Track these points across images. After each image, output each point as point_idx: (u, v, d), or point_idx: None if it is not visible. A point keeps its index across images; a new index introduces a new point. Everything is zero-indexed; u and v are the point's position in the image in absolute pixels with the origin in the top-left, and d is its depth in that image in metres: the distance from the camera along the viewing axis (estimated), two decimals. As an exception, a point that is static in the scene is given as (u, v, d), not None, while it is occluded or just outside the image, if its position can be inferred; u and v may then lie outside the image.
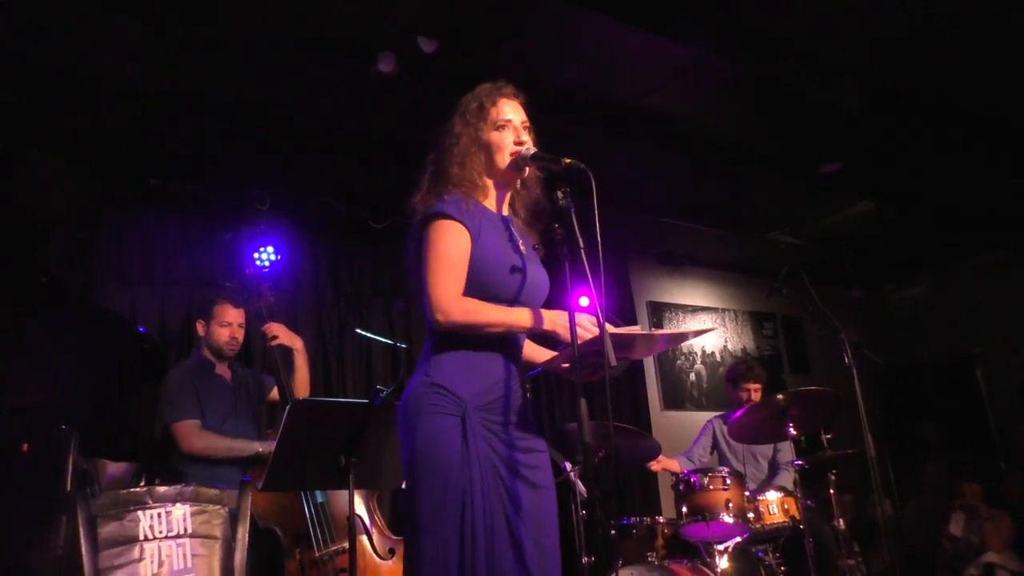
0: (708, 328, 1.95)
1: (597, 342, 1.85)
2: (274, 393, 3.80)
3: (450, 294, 1.95)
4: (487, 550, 1.86)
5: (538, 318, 1.99)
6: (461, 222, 1.99)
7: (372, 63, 3.65)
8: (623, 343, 1.98)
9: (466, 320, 1.96)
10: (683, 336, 2.07)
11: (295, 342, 3.71)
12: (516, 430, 2.00)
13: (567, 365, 2.02)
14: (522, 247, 2.12)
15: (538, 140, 2.18)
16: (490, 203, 2.16)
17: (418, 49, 3.60)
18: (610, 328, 1.91)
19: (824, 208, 6.16)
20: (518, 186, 2.20)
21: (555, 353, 2.07)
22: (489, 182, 2.16)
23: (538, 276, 2.13)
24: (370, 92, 3.94)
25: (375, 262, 5.27)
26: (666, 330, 2.10)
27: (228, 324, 3.63)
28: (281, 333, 3.66)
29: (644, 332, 2.11)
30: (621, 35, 3.72)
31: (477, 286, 2.00)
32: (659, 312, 6.69)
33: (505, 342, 2.05)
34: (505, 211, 2.20)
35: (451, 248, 1.98)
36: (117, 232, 4.47)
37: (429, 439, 1.92)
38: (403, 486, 1.99)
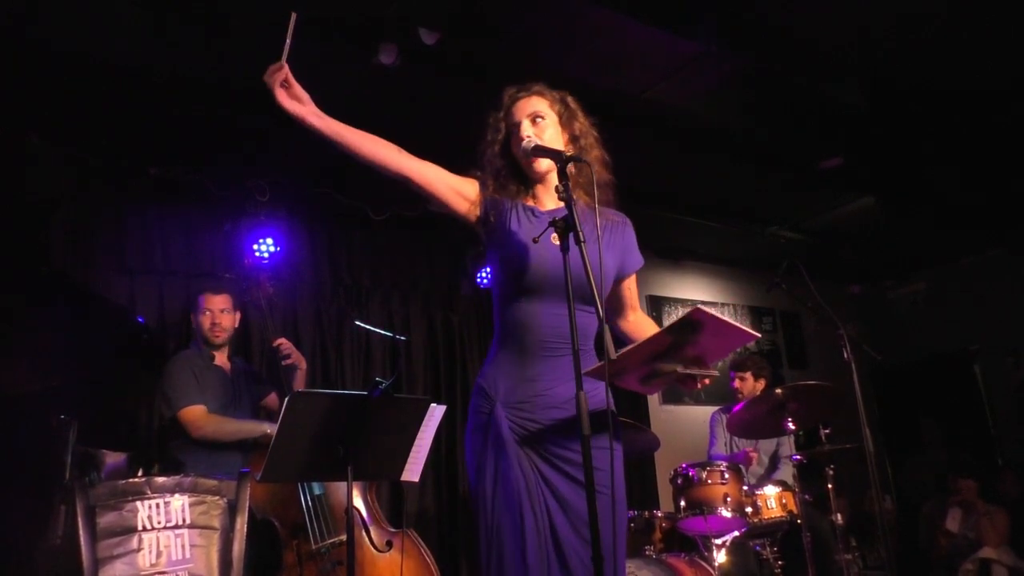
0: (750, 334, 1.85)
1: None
2: (270, 400, 3.83)
3: None
4: (519, 540, 1.90)
5: None
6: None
7: (374, 54, 3.64)
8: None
9: None
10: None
11: (302, 362, 3.76)
12: (556, 426, 2.01)
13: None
14: (554, 238, 1.98)
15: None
16: (534, 200, 2.22)
17: (419, 40, 3.59)
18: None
19: (825, 203, 6.15)
20: (573, 171, 2.14)
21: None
22: (524, 179, 2.22)
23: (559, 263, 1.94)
24: (371, 83, 3.93)
25: (375, 254, 5.27)
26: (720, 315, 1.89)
27: (209, 311, 3.67)
28: (294, 352, 3.71)
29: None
30: (623, 27, 3.71)
31: (507, 278, 2.11)
32: (658, 306, 6.68)
33: (549, 343, 2.04)
34: (548, 205, 2.20)
35: None
36: (117, 221, 4.46)
37: (468, 436, 2.09)
38: None
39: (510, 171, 2.21)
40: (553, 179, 2.10)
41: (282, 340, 3.71)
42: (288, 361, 3.66)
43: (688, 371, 1.85)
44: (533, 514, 1.93)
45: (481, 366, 2.19)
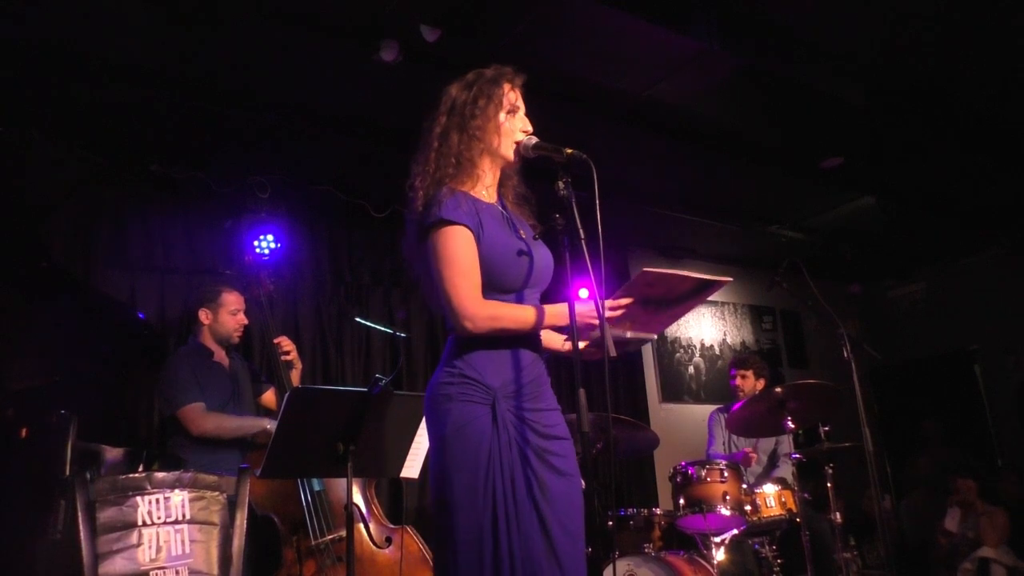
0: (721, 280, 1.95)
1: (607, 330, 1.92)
2: (267, 397, 3.83)
3: (473, 301, 1.96)
4: (520, 534, 1.87)
5: (553, 315, 2.01)
6: (465, 225, 1.98)
7: (375, 51, 3.65)
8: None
9: (493, 326, 1.97)
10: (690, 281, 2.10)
11: (298, 363, 3.75)
12: (543, 418, 2.01)
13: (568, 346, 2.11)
14: (521, 232, 2.12)
15: (537, 131, 2.17)
16: (483, 190, 2.14)
17: (420, 38, 3.59)
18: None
19: (825, 203, 6.16)
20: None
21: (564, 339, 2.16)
22: (488, 166, 2.14)
23: (543, 258, 2.11)
24: (373, 80, 3.93)
25: (375, 251, 5.27)
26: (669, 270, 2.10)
27: (237, 312, 3.66)
28: (293, 350, 3.70)
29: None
30: (624, 25, 3.71)
31: (487, 280, 2.00)
32: (658, 305, 6.69)
33: (532, 336, 2.06)
34: (495, 197, 2.19)
35: (462, 253, 1.97)
36: (117, 218, 4.46)
37: (459, 426, 1.94)
38: (431, 474, 2.00)
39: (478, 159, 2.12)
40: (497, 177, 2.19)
41: (282, 338, 3.71)
42: (287, 357, 3.66)
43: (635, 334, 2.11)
44: (526, 513, 1.91)
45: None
